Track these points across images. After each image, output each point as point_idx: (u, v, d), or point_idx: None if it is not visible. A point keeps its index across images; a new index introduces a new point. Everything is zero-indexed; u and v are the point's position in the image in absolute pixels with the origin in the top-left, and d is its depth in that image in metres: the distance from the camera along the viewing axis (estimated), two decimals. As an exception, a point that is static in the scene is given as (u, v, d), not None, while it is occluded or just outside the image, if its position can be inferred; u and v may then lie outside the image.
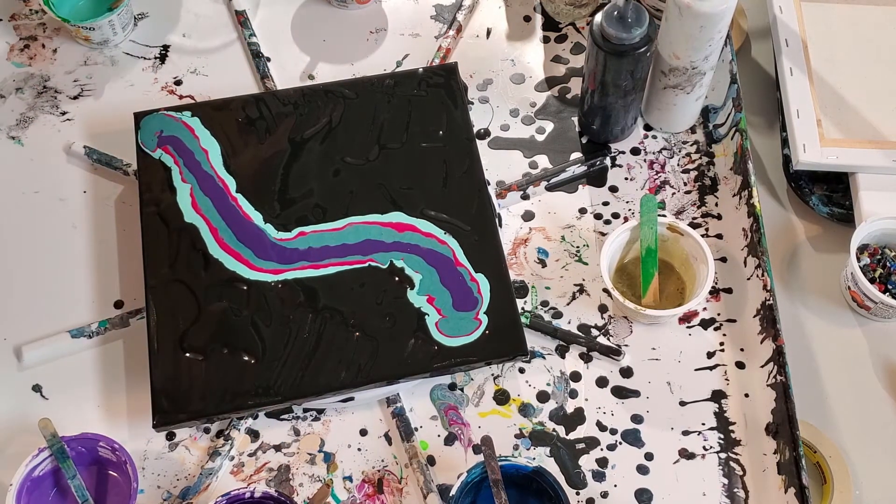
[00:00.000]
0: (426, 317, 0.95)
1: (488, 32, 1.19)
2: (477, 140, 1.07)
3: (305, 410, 0.97)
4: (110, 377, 0.98)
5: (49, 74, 1.15)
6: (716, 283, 1.03)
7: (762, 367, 0.98)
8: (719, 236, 1.06)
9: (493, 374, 0.99)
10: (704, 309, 1.02)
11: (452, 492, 0.87)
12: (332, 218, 1.01)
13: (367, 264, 0.98)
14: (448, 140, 1.05)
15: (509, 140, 1.12)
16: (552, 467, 0.94)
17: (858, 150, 1.05)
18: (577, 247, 1.05)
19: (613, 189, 1.08)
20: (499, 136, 1.12)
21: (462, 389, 0.98)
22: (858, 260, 1.02)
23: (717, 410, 0.97)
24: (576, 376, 0.99)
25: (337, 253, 0.99)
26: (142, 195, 1.01)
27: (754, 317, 1.00)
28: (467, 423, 0.96)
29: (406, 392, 0.97)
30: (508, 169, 1.10)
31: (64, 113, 1.13)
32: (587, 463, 0.94)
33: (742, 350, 1.00)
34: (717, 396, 0.97)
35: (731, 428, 0.96)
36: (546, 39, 1.18)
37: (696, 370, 0.99)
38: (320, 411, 0.97)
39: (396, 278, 0.97)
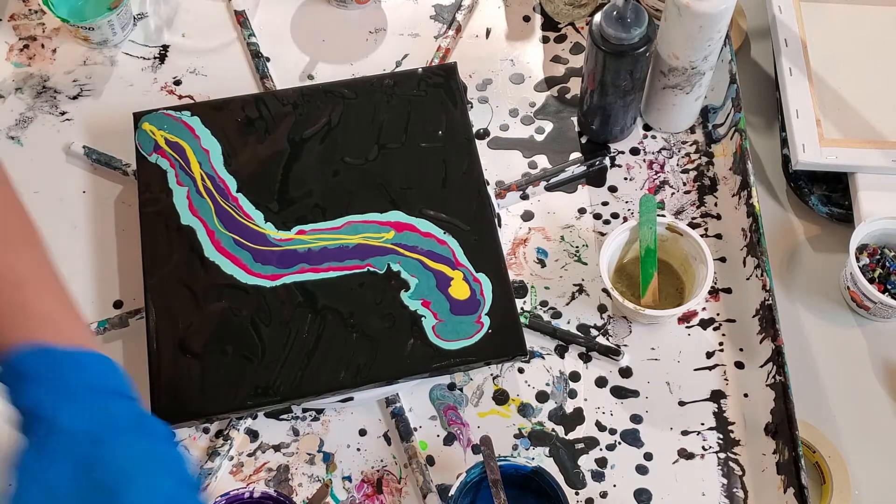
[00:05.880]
0: (422, 319, 0.95)
1: (487, 32, 1.19)
2: (476, 140, 1.07)
3: (304, 410, 0.97)
4: (109, 377, 0.98)
5: (48, 74, 1.15)
6: (715, 283, 1.03)
7: (761, 367, 0.98)
8: (718, 236, 1.06)
9: (492, 374, 0.99)
10: (704, 309, 1.02)
11: (451, 492, 0.87)
12: (331, 217, 1.01)
13: (365, 269, 0.98)
14: (447, 140, 1.05)
15: (508, 140, 1.12)
16: (551, 467, 0.94)
17: (858, 150, 1.05)
18: (577, 247, 1.05)
19: (613, 189, 1.08)
20: (498, 136, 1.12)
21: (461, 389, 0.98)
22: (858, 260, 1.02)
23: (717, 410, 0.97)
24: (575, 376, 0.99)
25: (335, 256, 0.98)
26: (140, 196, 1.01)
27: (753, 317, 1.01)
28: (466, 423, 0.96)
29: (405, 392, 0.97)
30: (508, 169, 1.10)
31: (63, 113, 1.13)
32: (586, 463, 0.94)
33: (741, 350, 1.00)
34: (717, 396, 0.97)
35: (730, 428, 0.96)
36: (545, 39, 1.19)
37: (695, 370, 0.99)
38: (319, 411, 0.97)
39: (392, 281, 0.97)
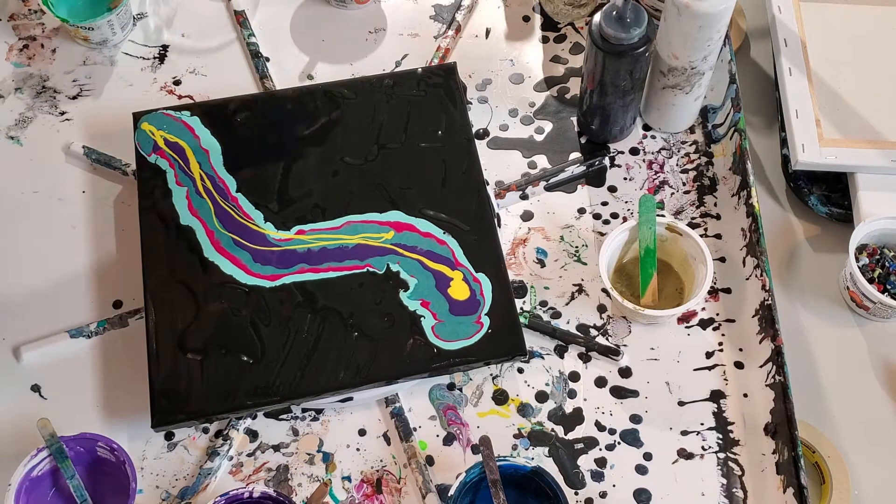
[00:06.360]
0: (422, 319, 0.95)
1: (487, 32, 1.19)
2: (476, 140, 1.07)
3: (304, 410, 0.97)
4: (109, 377, 0.98)
5: (48, 74, 1.15)
6: (714, 283, 1.03)
7: (761, 367, 0.98)
8: (718, 236, 1.06)
9: (491, 374, 0.99)
10: (703, 309, 1.02)
11: (451, 492, 0.87)
12: (330, 217, 1.01)
13: (364, 269, 0.98)
14: (447, 140, 1.05)
15: (508, 140, 1.12)
16: (551, 467, 0.94)
17: (857, 150, 1.05)
18: (576, 247, 1.05)
19: (612, 189, 1.08)
20: (498, 136, 1.12)
21: (461, 389, 0.98)
22: (857, 260, 1.02)
23: (716, 410, 0.97)
24: (574, 376, 0.99)
25: (334, 257, 0.98)
26: (140, 196, 1.01)
27: (753, 317, 1.00)
28: (466, 423, 0.96)
29: (405, 392, 0.97)
30: (507, 169, 1.10)
31: (63, 113, 1.13)
32: (586, 463, 0.94)
33: (741, 350, 1.00)
34: (716, 396, 0.97)
35: (729, 428, 0.96)
36: (545, 39, 1.18)
37: (694, 370, 0.99)
38: (319, 411, 0.97)
39: (392, 281, 0.97)
